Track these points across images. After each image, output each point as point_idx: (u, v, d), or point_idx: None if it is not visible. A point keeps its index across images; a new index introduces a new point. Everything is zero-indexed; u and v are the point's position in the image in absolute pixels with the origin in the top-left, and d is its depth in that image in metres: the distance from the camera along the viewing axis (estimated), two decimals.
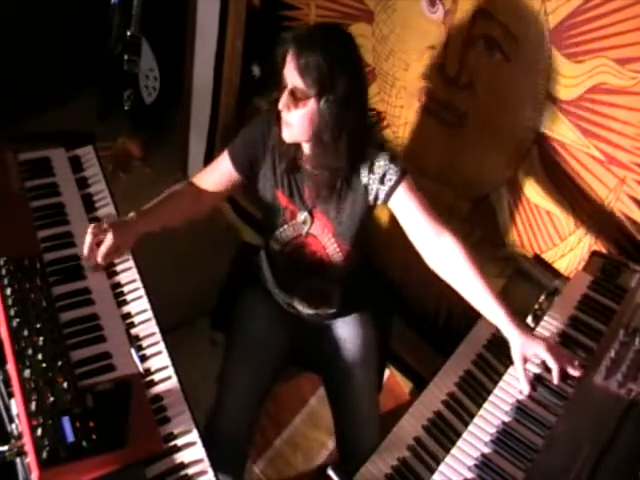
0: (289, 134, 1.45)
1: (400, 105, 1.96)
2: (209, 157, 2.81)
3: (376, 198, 1.51)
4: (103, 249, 1.42)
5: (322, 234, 1.60)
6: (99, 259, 1.43)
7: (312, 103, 1.38)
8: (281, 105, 1.40)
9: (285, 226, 1.62)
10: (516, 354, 1.33)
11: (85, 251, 1.43)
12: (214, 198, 1.64)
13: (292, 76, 1.37)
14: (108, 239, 1.41)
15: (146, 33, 2.82)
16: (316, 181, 1.51)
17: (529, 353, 1.33)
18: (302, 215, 1.59)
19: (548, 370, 1.32)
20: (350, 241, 1.59)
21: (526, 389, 1.31)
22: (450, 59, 1.76)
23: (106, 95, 3.07)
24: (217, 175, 1.61)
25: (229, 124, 2.66)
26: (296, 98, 1.38)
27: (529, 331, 1.36)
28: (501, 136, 1.75)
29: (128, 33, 2.81)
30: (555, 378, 1.31)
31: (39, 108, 2.79)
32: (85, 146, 1.81)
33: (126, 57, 2.86)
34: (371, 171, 1.49)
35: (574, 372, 1.31)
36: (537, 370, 1.34)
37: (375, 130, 1.54)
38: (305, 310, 1.74)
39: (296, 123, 1.41)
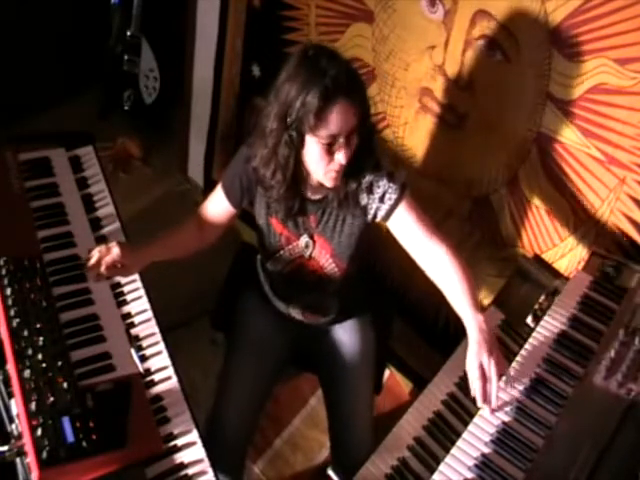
0: (339, 177, 1.40)
1: (400, 105, 1.96)
2: (209, 157, 2.81)
3: (375, 216, 1.49)
4: (109, 259, 1.38)
5: (320, 255, 1.59)
6: (102, 268, 1.39)
7: (354, 137, 1.35)
8: (346, 159, 1.34)
9: (282, 251, 1.60)
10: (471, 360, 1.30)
11: (91, 262, 1.39)
12: (217, 229, 1.64)
13: (348, 121, 1.31)
14: (114, 252, 1.39)
15: (146, 33, 2.82)
16: (322, 206, 1.50)
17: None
18: (303, 240, 1.57)
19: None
20: (348, 260, 1.58)
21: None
22: (450, 59, 1.76)
23: (106, 95, 3.07)
24: (215, 208, 1.61)
25: (229, 124, 2.66)
26: (350, 140, 1.34)
27: (488, 339, 1.31)
28: (501, 136, 1.75)
29: (128, 33, 2.81)
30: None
31: (39, 108, 2.79)
32: (85, 146, 1.81)
33: (126, 57, 2.87)
34: (370, 192, 1.46)
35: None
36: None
37: (376, 143, 1.50)
38: (301, 318, 1.74)
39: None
